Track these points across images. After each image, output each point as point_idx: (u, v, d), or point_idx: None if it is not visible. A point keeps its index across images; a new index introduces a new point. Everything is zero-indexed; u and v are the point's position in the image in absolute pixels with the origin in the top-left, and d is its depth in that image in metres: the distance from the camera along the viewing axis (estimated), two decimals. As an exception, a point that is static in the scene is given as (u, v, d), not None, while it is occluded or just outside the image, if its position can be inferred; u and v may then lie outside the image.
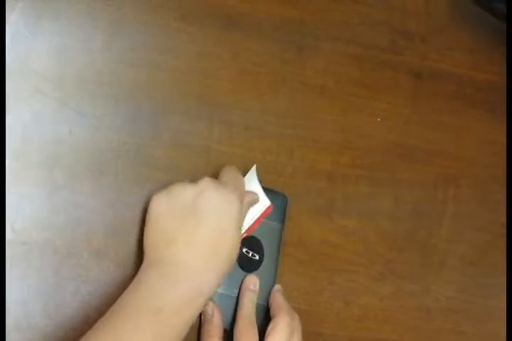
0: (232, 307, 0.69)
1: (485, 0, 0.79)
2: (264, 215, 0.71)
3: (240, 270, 0.70)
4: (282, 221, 0.72)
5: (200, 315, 0.68)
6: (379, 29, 0.78)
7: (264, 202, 0.71)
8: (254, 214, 0.70)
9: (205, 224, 0.63)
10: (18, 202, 0.67)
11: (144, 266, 0.63)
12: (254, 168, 0.70)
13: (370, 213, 0.76)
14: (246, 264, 0.70)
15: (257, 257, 0.71)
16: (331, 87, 0.76)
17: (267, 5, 0.75)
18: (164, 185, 0.69)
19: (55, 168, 0.68)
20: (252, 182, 0.70)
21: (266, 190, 0.71)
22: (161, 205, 0.65)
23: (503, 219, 0.79)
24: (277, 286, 0.72)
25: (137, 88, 0.71)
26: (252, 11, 0.75)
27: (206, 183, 0.64)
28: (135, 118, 0.70)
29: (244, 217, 0.68)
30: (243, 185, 0.69)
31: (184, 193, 0.64)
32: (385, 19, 0.79)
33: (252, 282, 0.70)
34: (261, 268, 0.71)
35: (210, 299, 0.68)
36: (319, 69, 0.76)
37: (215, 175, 0.71)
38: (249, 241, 0.70)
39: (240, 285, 0.70)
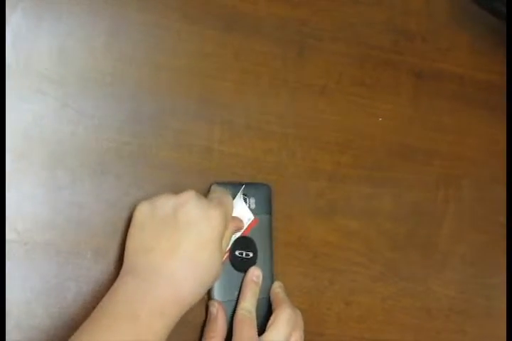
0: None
1: (485, 0, 0.79)
2: (249, 229, 0.71)
3: (236, 272, 0.70)
4: (269, 212, 0.72)
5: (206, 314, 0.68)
6: (380, 29, 0.78)
7: (248, 216, 0.71)
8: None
9: (184, 236, 0.63)
10: (19, 202, 0.66)
11: (121, 273, 0.63)
12: (241, 189, 0.70)
13: (371, 213, 0.76)
14: (241, 265, 0.70)
15: (250, 255, 0.71)
16: (331, 87, 0.76)
17: (268, 5, 0.75)
18: (165, 186, 0.70)
19: (57, 168, 0.68)
20: (237, 204, 0.70)
21: (247, 183, 0.71)
22: (143, 215, 0.65)
23: (504, 219, 0.79)
24: (278, 283, 0.72)
25: (139, 88, 0.71)
26: (253, 11, 0.74)
27: (189, 196, 0.64)
28: (137, 119, 0.70)
29: (229, 239, 0.68)
30: (230, 204, 0.68)
31: (166, 204, 0.65)
32: (386, 19, 0.79)
33: (256, 274, 0.70)
34: (257, 263, 0.71)
35: (216, 299, 0.68)
36: (320, 69, 0.76)
37: (217, 176, 0.71)
38: (240, 242, 0.70)
39: (240, 287, 0.70)
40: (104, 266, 0.67)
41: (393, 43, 0.78)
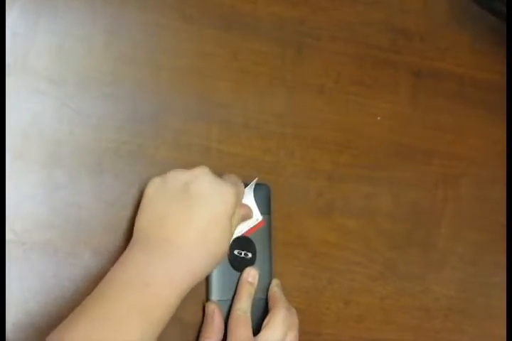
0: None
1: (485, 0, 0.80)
2: (255, 229, 0.71)
3: (235, 272, 0.70)
4: (268, 212, 0.72)
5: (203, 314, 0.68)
6: (378, 28, 0.78)
7: (256, 217, 0.71)
8: (245, 226, 0.71)
9: (196, 209, 0.63)
10: (18, 202, 0.66)
11: (131, 244, 0.63)
12: (254, 181, 0.70)
13: (370, 212, 0.76)
14: (240, 265, 0.70)
15: (249, 255, 0.71)
16: (330, 86, 0.76)
17: (267, 4, 0.75)
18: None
19: (56, 168, 0.68)
20: (247, 196, 0.70)
21: (246, 184, 0.71)
22: (155, 188, 0.65)
23: (503, 219, 0.79)
24: (276, 281, 0.72)
25: (138, 88, 0.71)
26: (252, 10, 0.74)
27: (202, 170, 0.65)
28: (136, 118, 0.70)
29: (236, 226, 0.67)
30: (242, 190, 0.68)
31: (179, 178, 0.65)
32: (385, 18, 0.79)
33: (251, 274, 0.70)
34: (256, 264, 0.71)
35: (213, 300, 0.68)
36: (319, 68, 0.76)
37: (215, 175, 0.71)
38: (239, 241, 0.70)
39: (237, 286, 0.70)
40: (103, 265, 0.67)
41: (392, 43, 0.78)
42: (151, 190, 0.65)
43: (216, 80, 0.73)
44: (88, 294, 0.65)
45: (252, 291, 0.69)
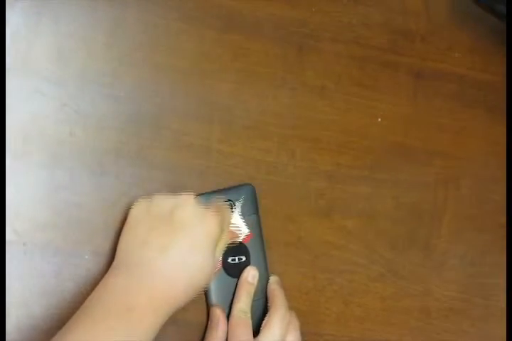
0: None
1: (485, 0, 0.79)
2: (244, 242, 0.71)
3: (230, 278, 0.70)
4: (256, 211, 0.72)
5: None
6: (379, 29, 0.78)
7: (243, 232, 0.71)
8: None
9: (181, 234, 0.63)
10: (18, 202, 0.67)
11: (112, 267, 0.63)
12: (240, 202, 0.71)
13: (370, 213, 0.76)
14: (236, 271, 0.70)
15: (243, 258, 0.71)
16: (331, 88, 0.76)
17: (268, 5, 0.75)
18: (165, 185, 0.70)
19: (56, 169, 0.68)
20: (234, 215, 0.70)
21: (231, 187, 0.71)
22: (139, 211, 0.65)
23: (503, 220, 0.79)
24: (274, 278, 0.72)
25: (138, 88, 0.71)
26: (252, 11, 0.74)
27: (188, 198, 0.65)
28: (135, 119, 0.70)
29: (222, 251, 0.67)
30: (228, 215, 0.68)
31: (163, 203, 0.65)
32: (385, 19, 0.78)
33: (251, 274, 0.70)
34: (251, 265, 0.71)
35: (218, 305, 0.69)
36: (319, 69, 0.76)
37: (216, 176, 0.71)
38: (231, 248, 0.70)
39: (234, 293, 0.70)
40: (104, 266, 0.67)
41: (392, 43, 0.78)
42: (135, 213, 0.65)
43: (216, 81, 0.73)
44: (88, 295, 0.65)
45: (252, 291, 0.69)
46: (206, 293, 0.69)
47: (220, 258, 0.69)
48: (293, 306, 0.71)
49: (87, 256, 0.67)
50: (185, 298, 0.62)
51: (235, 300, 0.69)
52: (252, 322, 0.69)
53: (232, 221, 0.70)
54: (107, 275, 0.62)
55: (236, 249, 0.70)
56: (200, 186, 0.71)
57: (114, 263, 0.64)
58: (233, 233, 0.70)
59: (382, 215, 0.77)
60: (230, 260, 0.70)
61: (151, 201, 0.65)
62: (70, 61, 0.69)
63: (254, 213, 0.72)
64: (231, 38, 0.74)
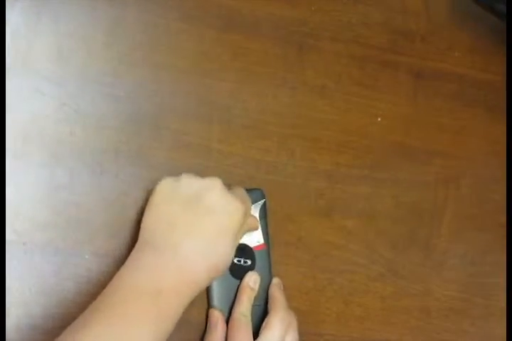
0: None
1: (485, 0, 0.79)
2: (255, 249, 0.71)
3: (233, 279, 0.70)
4: (264, 216, 0.72)
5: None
6: (379, 29, 0.78)
7: (257, 239, 0.71)
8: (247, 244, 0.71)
9: (207, 219, 0.63)
10: (18, 202, 0.67)
11: (138, 246, 0.63)
12: (262, 202, 0.71)
13: (370, 213, 0.76)
14: (239, 273, 0.70)
15: (249, 262, 0.71)
16: (331, 87, 0.76)
17: (267, 5, 0.75)
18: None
19: (56, 168, 0.68)
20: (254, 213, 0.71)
21: (248, 189, 0.71)
22: (167, 190, 0.65)
23: (503, 219, 0.79)
24: (276, 280, 0.72)
25: (137, 88, 0.71)
26: (251, 10, 0.74)
27: (216, 182, 0.65)
28: (135, 118, 0.70)
29: (240, 238, 0.67)
30: (249, 206, 0.68)
31: (192, 185, 0.65)
32: (385, 19, 0.78)
33: (253, 279, 0.70)
34: (255, 270, 0.71)
35: (218, 308, 0.69)
36: (319, 69, 0.76)
37: (215, 175, 0.71)
38: (238, 249, 0.69)
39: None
40: (104, 266, 0.67)
41: (392, 43, 0.78)
42: (163, 191, 0.65)
43: (216, 80, 0.73)
44: (89, 294, 0.66)
45: (253, 296, 0.70)
46: (208, 293, 0.69)
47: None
48: (293, 306, 0.71)
49: (87, 256, 0.67)
50: (205, 283, 0.63)
51: (236, 303, 0.69)
52: (252, 327, 0.69)
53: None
54: (135, 253, 0.62)
55: (243, 250, 0.70)
56: (200, 186, 0.71)
57: (139, 241, 0.64)
58: (254, 220, 0.70)
59: (382, 215, 0.77)
60: (235, 260, 0.70)
61: (179, 180, 0.65)
62: (69, 61, 0.69)
63: (262, 218, 0.72)
64: (231, 38, 0.74)
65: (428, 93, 0.79)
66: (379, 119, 0.77)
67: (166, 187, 0.65)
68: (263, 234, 0.71)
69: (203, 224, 0.63)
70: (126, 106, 0.70)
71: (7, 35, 0.67)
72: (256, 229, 0.71)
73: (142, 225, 0.65)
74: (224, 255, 0.63)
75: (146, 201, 0.67)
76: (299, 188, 0.74)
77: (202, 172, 0.70)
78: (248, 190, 0.70)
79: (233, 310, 0.69)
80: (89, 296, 0.66)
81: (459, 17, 0.81)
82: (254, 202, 0.71)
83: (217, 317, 0.68)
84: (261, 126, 0.74)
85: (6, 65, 0.67)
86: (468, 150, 0.80)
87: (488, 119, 0.81)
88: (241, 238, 0.68)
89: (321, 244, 0.74)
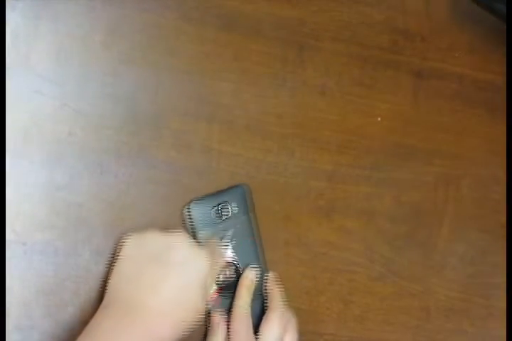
0: None
1: (485, 0, 0.79)
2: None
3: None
4: (247, 212, 0.72)
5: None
6: (379, 29, 0.78)
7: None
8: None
9: (173, 276, 0.63)
10: (18, 202, 0.67)
11: (104, 303, 0.63)
12: (246, 197, 0.71)
13: (370, 213, 0.76)
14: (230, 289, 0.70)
15: (232, 269, 0.71)
16: (331, 87, 0.76)
17: (268, 5, 0.75)
18: (165, 186, 0.70)
19: (56, 168, 0.68)
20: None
21: (225, 189, 0.71)
22: (131, 248, 0.65)
23: (504, 219, 0.79)
24: (272, 274, 0.72)
25: (137, 88, 0.71)
26: (252, 11, 0.74)
27: (181, 238, 0.65)
28: (135, 118, 0.70)
29: (211, 287, 0.68)
30: (218, 258, 0.68)
31: (156, 241, 0.65)
32: (386, 19, 0.78)
33: (250, 277, 0.70)
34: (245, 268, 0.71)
35: (219, 310, 0.69)
36: (320, 69, 0.76)
37: (216, 176, 0.71)
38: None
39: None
40: (103, 266, 0.68)
41: (393, 43, 0.78)
42: (125, 250, 0.65)
43: (217, 81, 0.73)
44: (88, 295, 0.66)
45: (252, 289, 0.70)
46: None
47: (214, 289, 0.69)
48: (293, 306, 0.71)
49: (86, 256, 0.67)
50: (172, 338, 0.61)
51: (236, 297, 0.69)
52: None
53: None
54: (95, 317, 0.61)
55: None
56: (200, 186, 0.71)
57: (105, 301, 0.63)
58: (225, 264, 0.70)
59: (382, 215, 0.77)
60: (221, 276, 0.70)
61: (143, 239, 0.65)
62: (69, 61, 0.69)
63: (245, 213, 0.72)
64: (231, 38, 0.74)
65: (428, 93, 0.79)
66: (379, 119, 0.77)
67: (130, 246, 0.65)
68: (248, 230, 0.71)
69: (168, 280, 0.62)
70: (126, 106, 0.70)
71: (7, 35, 0.67)
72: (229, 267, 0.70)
73: (108, 284, 0.64)
74: (192, 310, 0.63)
75: (145, 204, 0.67)
76: (299, 188, 0.74)
77: (202, 173, 0.71)
78: (231, 187, 0.71)
79: (233, 304, 0.69)
80: (88, 296, 0.67)
81: (459, 17, 0.80)
82: (238, 198, 0.71)
83: (218, 321, 0.68)
84: (261, 126, 0.74)
85: (6, 65, 0.67)
86: (469, 150, 0.80)
87: (489, 119, 0.81)
88: (211, 287, 0.68)
89: (321, 244, 0.75)
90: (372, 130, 0.77)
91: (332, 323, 0.74)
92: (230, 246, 0.70)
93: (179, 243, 0.64)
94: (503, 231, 0.78)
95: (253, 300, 0.70)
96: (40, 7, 0.69)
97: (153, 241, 0.65)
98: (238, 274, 0.70)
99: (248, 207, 0.72)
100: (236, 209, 0.71)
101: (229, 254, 0.70)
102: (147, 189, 0.69)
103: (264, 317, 0.68)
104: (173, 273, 0.63)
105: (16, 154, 0.67)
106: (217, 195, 0.70)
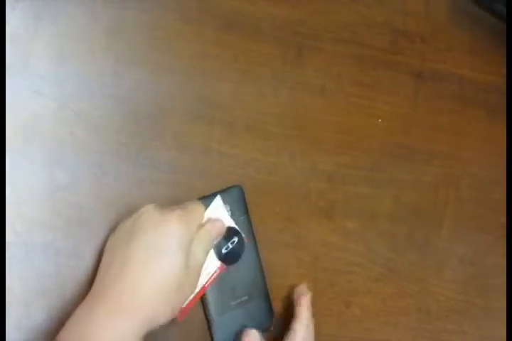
0: (233, 320, 0.70)
1: (485, 0, 0.79)
2: (212, 279, 0.69)
3: (230, 268, 0.70)
4: (245, 212, 0.71)
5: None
6: (379, 30, 0.78)
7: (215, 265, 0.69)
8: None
9: (136, 242, 0.61)
10: (18, 203, 0.66)
11: (87, 297, 0.62)
12: (218, 198, 0.69)
13: (370, 214, 0.76)
14: (232, 259, 0.70)
15: (235, 239, 0.70)
16: (331, 88, 0.76)
17: (268, 5, 0.75)
18: (165, 186, 0.70)
19: (56, 169, 0.68)
20: (217, 212, 0.69)
21: (219, 191, 0.70)
22: (111, 240, 0.65)
23: (503, 220, 0.79)
24: (305, 290, 0.71)
25: (138, 89, 0.71)
26: (252, 11, 0.74)
27: (145, 208, 0.64)
28: (136, 119, 0.70)
29: (206, 246, 0.65)
30: (197, 210, 0.66)
31: (124, 222, 0.65)
32: (386, 20, 0.78)
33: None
34: (244, 265, 0.70)
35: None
36: (320, 69, 0.76)
37: (216, 176, 0.71)
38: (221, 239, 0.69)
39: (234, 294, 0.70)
40: (104, 266, 0.67)
41: (392, 44, 0.78)
42: (108, 242, 0.65)
43: (217, 81, 0.73)
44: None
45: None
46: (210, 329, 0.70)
47: (204, 282, 0.67)
48: (293, 306, 0.71)
49: (87, 257, 0.67)
50: (163, 315, 0.60)
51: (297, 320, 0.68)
52: (239, 323, 0.69)
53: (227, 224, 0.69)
54: (76, 310, 0.61)
55: (226, 237, 0.69)
56: (200, 186, 0.71)
57: (90, 293, 0.62)
58: (215, 227, 0.67)
59: (383, 215, 0.77)
60: (223, 250, 0.69)
61: (116, 229, 0.65)
62: (69, 61, 0.69)
63: (243, 214, 0.71)
64: (231, 38, 0.74)
65: (428, 94, 0.79)
66: (379, 120, 0.77)
67: (111, 236, 0.65)
68: (244, 231, 0.70)
69: (133, 247, 0.61)
70: (126, 107, 0.70)
71: (7, 35, 0.67)
72: (222, 228, 0.68)
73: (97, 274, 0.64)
74: (173, 274, 0.60)
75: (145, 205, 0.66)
76: (299, 189, 0.74)
77: (202, 173, 0.71)
78: (226, 188, 0.70)
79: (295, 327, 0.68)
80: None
81: (459, 18, 0.81)
82: (233, 199, 0.71)
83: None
84: (261, 127, 0.74)
85: (6, 65, 0.67)
86: (469, 150, 0.80)
87: (488, 120, 0.81)
88: (208, 246, 0.66)
89: (321, 245, 0.75)
90: (372, 131, 0.77)
91: (332, 324, 0.74)
92: (228, 209, 0.70)
93: (142, 213, 0.63)
94: (503, 232, 0.79)
95: (241, 299, 0.70)
96: (40, 7, 0.69)
97: (122, 224, 0.64)
98: (240, 238, 0.69)
99: (244, 208, 0.72)
100: (230, 211, 0.70)
101: (227, 219, 0.69)
102: (147, 189, 0.69)
103: (289, 335, 0.67)
104: (138, 242, 0.61)
105: (16, 154, 0.67)
106: (211, 197, 0.70)
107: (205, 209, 0.67)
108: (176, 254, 0.61)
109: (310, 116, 0.75)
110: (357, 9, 0.78)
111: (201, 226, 0.66)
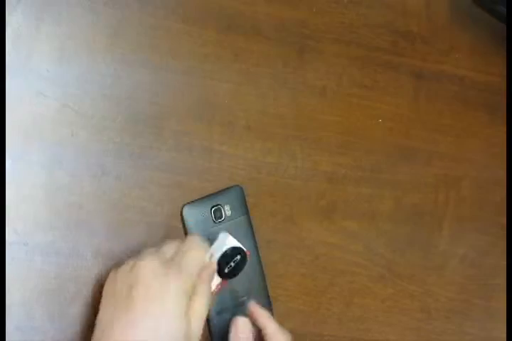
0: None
1: (485, 1, 0.80)
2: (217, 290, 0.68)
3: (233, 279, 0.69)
4: (246, 212, 0.72)
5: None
6: (380, 31, 0.78)
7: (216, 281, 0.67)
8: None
9: (134, 311, 0.59)
10: (19, 203, 0.67)
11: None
12: (242, 199, 0.70)
13: (371, 214, 0.76)
14: (235, 273, 0.69)
15: (238, 257, 0.70)
16: (332, 89, 0.76)
17: (268, 6, 0.75)
18: (165, 186, 0.70)
19: (57, 169, 0.68)
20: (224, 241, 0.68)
21: (217, 192, 0.71)
22: (108, 284, 0.63)
23: (504, 221, 0.79)
24: (252, 304, 0.69)
25: (138, 89, 0.71)
26: (253, 12, 0.74)
27: (143, 270, 0.60)
28: (137, 120, 0.70)
29: (208, 287, 0.63)
30: (198, 259, 0.64)
31: (120, 281, 0.61)
32: (386, 21, 0.79)
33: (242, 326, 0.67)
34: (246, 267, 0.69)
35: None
36: (320, 70, 0.76)
37: (216, 177, 0.71)
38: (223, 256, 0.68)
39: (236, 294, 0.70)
40: (104, 267, 0.67)
41: (393, 45, 0.78)
42: (106, 286, 0.62)
43: (217, 82, 0.73)
44: (89, 295, 0.66)
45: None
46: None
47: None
48: (294, 307, 0.71)
49: (87, 257, 0.67)
50: None
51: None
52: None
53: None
54: None
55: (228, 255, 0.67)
56: (201, 187, 0.71)
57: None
58: (212, 268, 0.65)
59: (383, 216, 0.77)
60: (226, 269, 0.67)
61: (116, 273, 0.62)
62: (70, 62, 0.69)
63: (244, 214, 0.72)
64: (232, 39, 0.74)
65: (429, 94, 0.79)
66: (380, 121, 0.77)
67: (109, 280, 0.62)
68: (244, 231, 0.71)
69: (140, 312, 0.59)
70: (127, 108, 0.70)
71: (8, 36, 0.67)
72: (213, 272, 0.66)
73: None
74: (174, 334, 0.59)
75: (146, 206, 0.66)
76: (300, 189, 0.74)
77: (203, 174, 0.71)
78: (226, 188, 0.71)
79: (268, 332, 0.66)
80: (89, 297, 0.67)
81: (459, 19, 0.81)
82: (233, 199, 0.71)
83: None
84: (262, 128, 0.74)
85: (7, 66, 0.67)
86: (469, 151, 0.80)
87: (489, 121, 0.81)
88: (207, 304, 0.63)
89: (321, 245, 0.75)
90: (373, 131, 0.77)
91: (333, 324, 0.74)
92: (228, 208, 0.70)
93: (140, 277, 0.60)
94: (503, 233, 0.79)
95: (249, 301, 0.69)
96: (42, 8, 0.69)
97: (117, 281, 0.61)
98: (243, 254, 0.67)
99: (244, 208, 0.72)
100: (230, 212, 0.71)
101: (231, 240, 0.67)
102: (148, 190, 0.69)
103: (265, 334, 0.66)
104: (133, 308, 0.59)
105: (16, 155, 0.67)
106: (210, 198, 0.70)
107: (208, 243, 0.66)
108: (171, 314, 0.59)
109: (311, 116, 0.75)
110: (358, 10, 0.78)
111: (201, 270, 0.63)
